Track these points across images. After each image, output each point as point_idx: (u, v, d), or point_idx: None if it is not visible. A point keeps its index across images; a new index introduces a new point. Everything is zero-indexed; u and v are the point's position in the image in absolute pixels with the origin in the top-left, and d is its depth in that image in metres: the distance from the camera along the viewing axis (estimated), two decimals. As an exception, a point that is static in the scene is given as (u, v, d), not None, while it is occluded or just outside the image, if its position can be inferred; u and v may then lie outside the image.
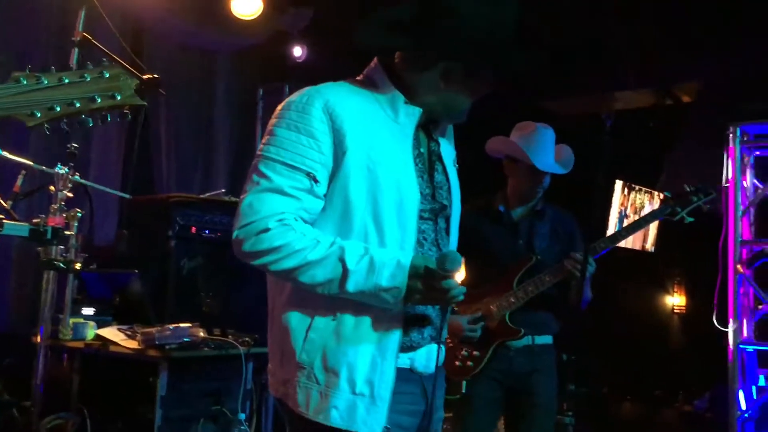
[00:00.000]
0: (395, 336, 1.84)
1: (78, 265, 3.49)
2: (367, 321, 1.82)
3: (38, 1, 4.91)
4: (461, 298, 1.82)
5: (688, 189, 3.24)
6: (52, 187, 3.60)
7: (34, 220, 3.28)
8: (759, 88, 4.90)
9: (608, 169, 3.07)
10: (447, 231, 2.04)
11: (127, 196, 4.12)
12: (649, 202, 8.63)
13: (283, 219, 1.78)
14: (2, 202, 3.72)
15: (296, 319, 1.83)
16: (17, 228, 3.21)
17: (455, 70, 1.94)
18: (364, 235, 1.84)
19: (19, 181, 3.84)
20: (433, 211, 1.97)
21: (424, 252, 1.92)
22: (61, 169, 3.46)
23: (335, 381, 1.79)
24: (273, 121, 1.89)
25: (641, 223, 3.46)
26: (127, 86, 1.56)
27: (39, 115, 1.48)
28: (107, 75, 1.55)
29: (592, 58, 6.14)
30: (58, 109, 1.49)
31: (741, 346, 4.77)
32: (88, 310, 3.89)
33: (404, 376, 1.89)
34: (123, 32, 5.40)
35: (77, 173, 3.73)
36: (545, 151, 3.31)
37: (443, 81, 1.95)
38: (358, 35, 1.99)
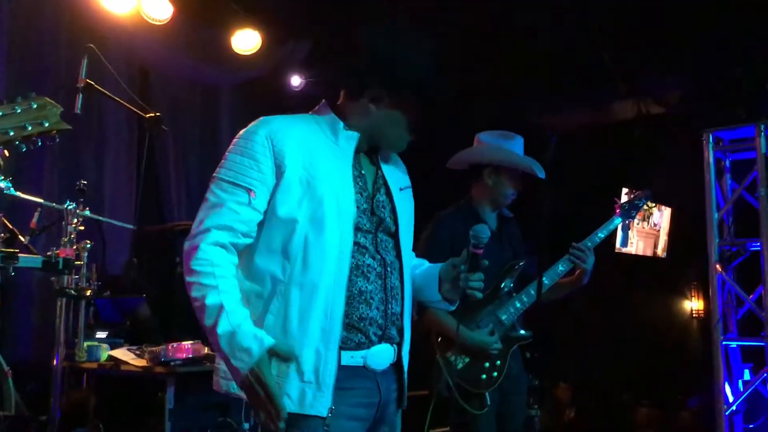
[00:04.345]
0: (336, 331, 2.09)
1: (89, 292, 3.82)
2: (309, 319, 2.07)
3: (48, 53, 5.27)
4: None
5: (633, 196, 3.70)
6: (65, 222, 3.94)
7: (47, 253, 3.62)
8: (730, 95, 5.13)
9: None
10: (397, 249, 2.26)
11: (131, 227, 4.45)
12: (657, 209, 8.77)
13: (217, 241, 2.05)
14: (21, 237, 4.06)
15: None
16: (31, 260, 3.55)
17: (381, 97, 2.23)
18: (304, 241, 2.09)
19: (35, 218, 4.18)
20: (372, 224, 2.22)
21: (365, 260, 2.17)
22: (69, 205, 3.79)
23: (286, 371, 2.06)
24: (229, 148, 2.19)
25: (609, 227, 3.59)
26: (53, 114, 1.77)
27: None
28: (35, 105, 1.76)
29: (580, 73, 6.40)
30: None
31: (724, 342, 4.96)
32: (101, 334, 4.21)
33: (359, 372, 2.14)
34: (131, 74, 5.80)
35: (87, 208, 4.06)
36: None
37: (372, 107, 2.24)
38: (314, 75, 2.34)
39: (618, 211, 3.63)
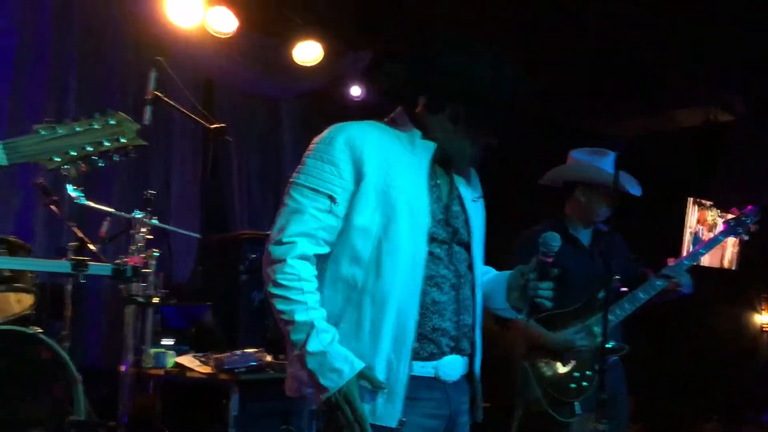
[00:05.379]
0: (408, 342, 2.09)
1: (156, 300, 3.89)
2: (381, 328, 2.07)
3: (116, 64, 5.42)
4: None
5: (740, 213, 3.62)
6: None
7: (116, 261, 3.70)
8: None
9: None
10: (469, 260, 2.25)
11: (197, 235, 4.52)
12: (721, 218, 8.54)
13: (303, 253, 2.05)
14: (91, 246, 4.17)
15: None
16: (101, 268, 3.62)
17: (460, 115, 2.23)
18: (378, 250, 2.09)
19: (104, 227, 4.29)
20: (447, 234, 2.21)
21: (440, 271, 2.16)
22: (138, 214, 3.87)
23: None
24: (306, 153, 2.20)
25: (713, 244, 3.62)
26: (130, 130, 1.81)
27: (58, 159, 1.76)
28: (112, 122, 1.80)
29: (645, 79, 6.29)
30: (74, 153, 1.76)
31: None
32: (168, 341, 4.28)
33: (429, 383, 2.14)
34: (196, 86, 5.91)
35: (155, 217, 4.14)
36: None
37: (451, 123, 2.24)
38: (383, 84, 2.32)
39: (725, 227, 3.58)
